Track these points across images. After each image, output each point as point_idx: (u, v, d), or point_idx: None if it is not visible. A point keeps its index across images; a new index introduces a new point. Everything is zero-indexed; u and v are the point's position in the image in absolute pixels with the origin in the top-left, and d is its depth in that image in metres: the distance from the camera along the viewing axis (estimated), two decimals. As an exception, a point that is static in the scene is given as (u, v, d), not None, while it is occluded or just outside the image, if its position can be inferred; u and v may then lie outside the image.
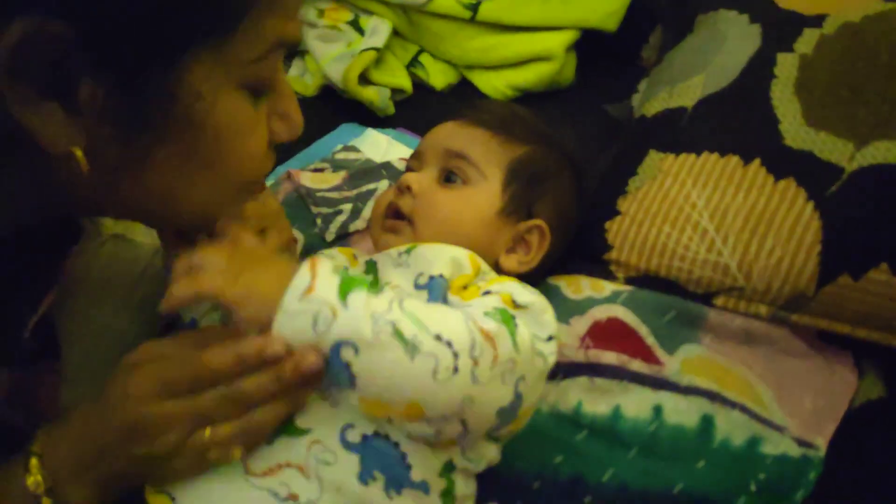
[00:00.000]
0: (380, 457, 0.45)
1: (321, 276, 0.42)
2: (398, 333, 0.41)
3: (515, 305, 0.50)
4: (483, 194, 0.60)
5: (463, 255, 0.54)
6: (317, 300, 0.41)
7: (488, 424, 0.46)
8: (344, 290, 0.41)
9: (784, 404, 0.60)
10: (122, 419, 0.43)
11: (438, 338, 0.42)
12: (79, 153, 0.38)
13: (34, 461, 0.44)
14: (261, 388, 0.43)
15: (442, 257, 0.53)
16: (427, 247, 0.55)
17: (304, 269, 0.42)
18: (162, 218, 0.48)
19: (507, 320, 0.46)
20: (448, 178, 0.61)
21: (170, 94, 0.38)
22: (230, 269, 0.42)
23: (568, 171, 0.65)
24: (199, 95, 0.39)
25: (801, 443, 0.58)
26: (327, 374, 0.42)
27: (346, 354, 0.41)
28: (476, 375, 0.43)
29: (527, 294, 0.51)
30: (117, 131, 0.38)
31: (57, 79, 0.36)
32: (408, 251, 0.55)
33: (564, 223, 0.64)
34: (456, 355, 0.42)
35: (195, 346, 0.44)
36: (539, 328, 0.50)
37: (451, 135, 0.63)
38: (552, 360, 0.50)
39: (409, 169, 0.65)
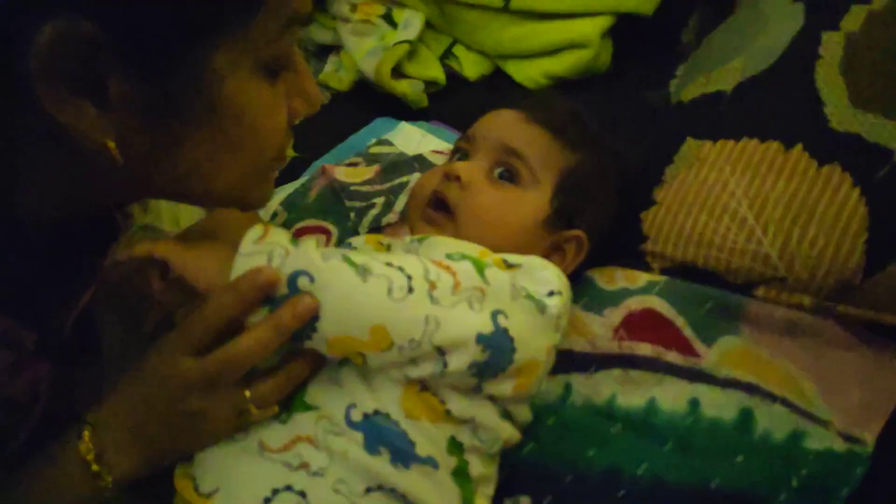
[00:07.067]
0: (381, 433, 0.47)
1: (273, 230, 0.46)
2: (348, 260, 0.45)
3: (507, 265, 0.50)
4: (533, 200, 0.59)
5: (474, 252, 0.53)
6: (270, 242, 0.45)
7: (472, 356, 0.45)
8: (294, 239, 0.46)
9: (829, 398, 0.57)
10: (161, 378, 0.46)
11: (389, 265, 0.44)
12: (112, 146, 0.40)
13: (87, 430, 0.47)
14: (260, 341, 0.45)
15: (450, 251, 0.52)
16: (439, 239, 0.55)
17: (257, 226, 0.45)
18: (196, 198, 0.51)
19: (475, 261, 0.48)
20: (501, 174, 0.59)
21: (194, 82, 0.40)
22: (184, 241, 0.47)
23: (613, 180, 0.64)
24: (221, 81, 0.40)
25: (847, 438, 0.56)
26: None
27: (303, 283, 0.43)
28: (434, 297, 0.44)
29: (521, 257, 0.52)
30: (147, 121, 0.40)
31: (87, 77, 0.37)
32: (420, 239, 0.56)
33: (602, 232, 0.63)
34: (409, 277, 0.44)
35: None
36: (536, 284, 0.50)
37: (510, 128, 0.61)
38: (555, 311, 0.50)
39: (456, 149, 0.64)
